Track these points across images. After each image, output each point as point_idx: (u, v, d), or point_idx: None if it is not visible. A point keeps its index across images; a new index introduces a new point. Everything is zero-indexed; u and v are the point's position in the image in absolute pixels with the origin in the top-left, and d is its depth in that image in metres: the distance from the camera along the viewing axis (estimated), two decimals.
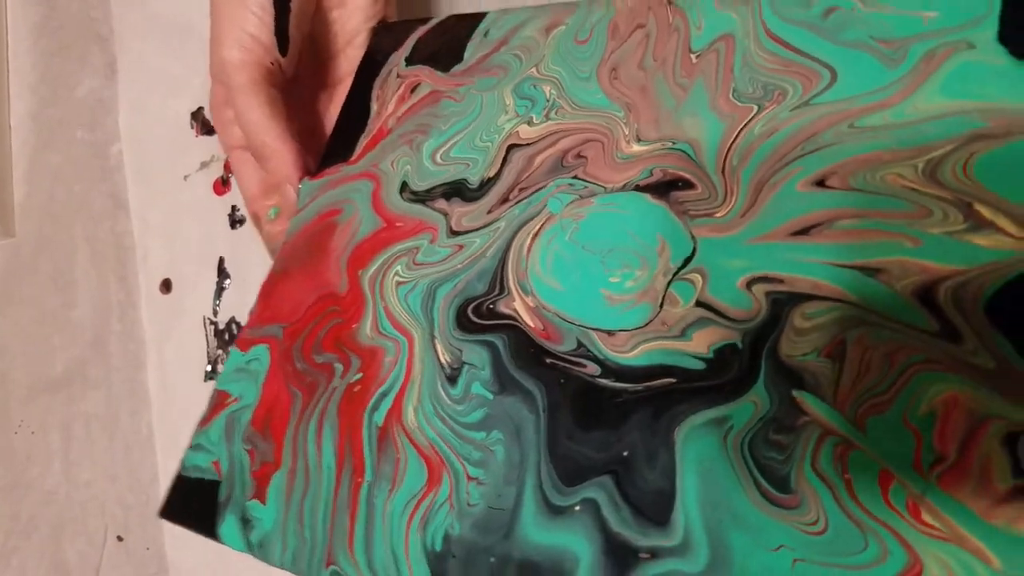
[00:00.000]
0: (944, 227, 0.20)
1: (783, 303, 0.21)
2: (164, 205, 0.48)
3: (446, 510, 0.24)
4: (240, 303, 0.44)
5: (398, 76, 0.34)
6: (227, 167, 0.45)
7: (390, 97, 0.34)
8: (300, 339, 0.30)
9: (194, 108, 0.48)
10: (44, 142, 0.51)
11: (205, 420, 0.30)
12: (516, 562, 0.22)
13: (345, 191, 0.33)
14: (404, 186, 0.31)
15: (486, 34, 0.33)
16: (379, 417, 0.26)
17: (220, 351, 0.45)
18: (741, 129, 0.25)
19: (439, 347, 0.26)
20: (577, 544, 0.21)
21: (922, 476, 0.18)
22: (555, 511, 0.22)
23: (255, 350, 0.31)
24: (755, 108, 0.25)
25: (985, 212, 0.20)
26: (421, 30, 0.35)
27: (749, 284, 0.22)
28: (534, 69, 0.30)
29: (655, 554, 0.20)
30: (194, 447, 0.30)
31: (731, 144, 0.24)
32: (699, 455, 0.21)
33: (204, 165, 0.46)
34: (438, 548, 0.23)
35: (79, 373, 0.44)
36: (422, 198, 0.30)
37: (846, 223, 0.22)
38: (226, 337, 0.44)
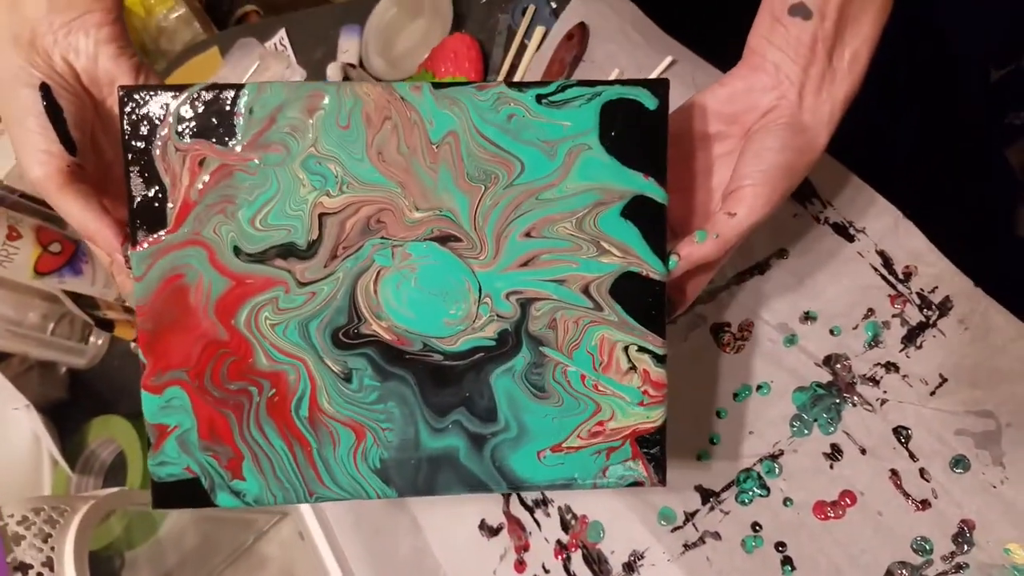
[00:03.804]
0: (588, 255, 0.43)
1: (525, 304, 0.43)
2: None
3: (376, 448, 0.44)
4: None
5: (177, 150, 0.40)
6: (517, 549, 0.64)
7: (180, 170, 0.41)
8: (207, 376, 0.42)
9: (478, 520, 0.68)
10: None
11: (155, 446, 0.43)
12: (426, 458, 0.44)
13: (180, 257, 0.41)
14: (237, 250, 0.42)
15: (251, 111, 0.40)
16: (304, 412, 0.43)
17: None
18: (478, 202, 0.42)
19: (329, 363, 0.43)
20: (456, 442, 0.44)
21: (595, 371, 0.44)
22: (438, 431, 0.44)
23: (169, 391, 0.42)
24: (483, 188, 0.42)
25: (605, 244, 0.43)
26: (176, 101, 0.40)
27: (508, 296, 0.43)
28: (313, 148, 0.41)
29: (494, 435, 0.44)
30: (159, 464, 0.43)
31: (475, 211, 0.42)
32: (503, 386, 0.43)
33: (501, 558, 0.65)
34: (379, 466, 0.44)
35: None
36: (259, 259, 0.42)
37: (544, 256, 0.43)
38: None
